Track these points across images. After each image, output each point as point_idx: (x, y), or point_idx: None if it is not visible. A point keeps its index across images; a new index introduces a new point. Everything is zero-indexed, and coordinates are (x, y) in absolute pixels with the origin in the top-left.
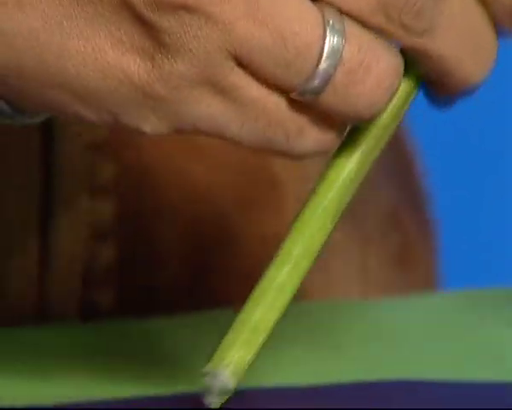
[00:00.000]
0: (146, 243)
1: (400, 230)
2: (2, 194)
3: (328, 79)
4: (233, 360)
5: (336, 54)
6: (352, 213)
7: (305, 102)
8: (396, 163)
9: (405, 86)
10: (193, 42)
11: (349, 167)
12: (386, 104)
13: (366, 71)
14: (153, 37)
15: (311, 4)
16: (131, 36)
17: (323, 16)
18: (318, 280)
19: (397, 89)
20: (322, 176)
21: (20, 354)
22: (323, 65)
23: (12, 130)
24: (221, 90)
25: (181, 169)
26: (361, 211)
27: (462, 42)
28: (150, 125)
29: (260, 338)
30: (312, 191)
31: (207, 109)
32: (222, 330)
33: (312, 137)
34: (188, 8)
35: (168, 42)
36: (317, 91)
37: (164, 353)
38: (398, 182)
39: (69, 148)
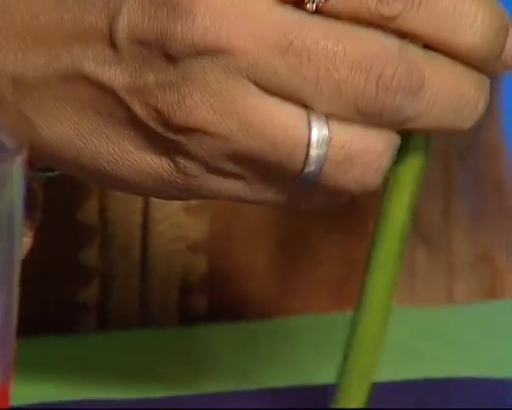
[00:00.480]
0: (235, 258)
1: (492, 266)
2: (105, 212)
3: (319, 169)
4: (356, 400)
5: (323, 150)
6: (435, 246)
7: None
8: (492, 201)
9: (419, 137)
10: (200, 150)
11: (401, 217)
12: (380, 181)
13: (352, 162)
14: (167, 143)
15: (296, 109)
16: (150, 141)
17: (308, 119)
18: (402, 301)
19: (387, 167)
20: (377, 227)
21: (126, 355)
22: (312, 159)
23: None
24: (230, 175)
25: None
26: (446, 244)
27: (445, 113)
28: (176, 198)
29: (369, 383)
30: (374, 241)
31: (222, 187)
32: (301, 334)
33: (320, 202)
34: (191, 129)
35: (181, 149)
36: (312, 180)
37: (258, 352)
38: (491, 221)
39: None
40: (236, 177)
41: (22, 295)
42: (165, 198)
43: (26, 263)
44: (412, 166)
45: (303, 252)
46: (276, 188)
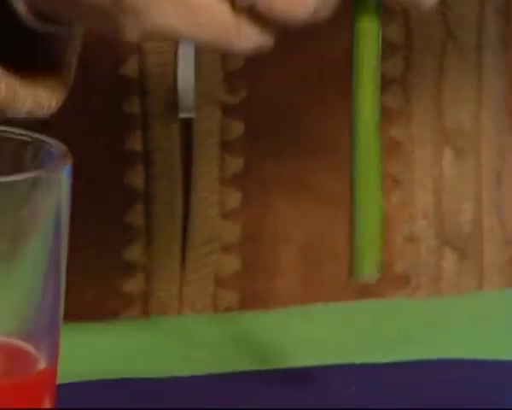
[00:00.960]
0: (265, 257)
1: None
2: (150, 217)
3: None
4: (371, 262)
5: None
6: (463, 250)
7: (245, 9)
8: None
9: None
10: None
11: (369, 109)
12: (304, 19)
13: None
14: None
15: None
16: None
17: None
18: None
19: (314, 5)
20: (354, 118)
21: (163, 338)
22: None
23: (155, 123)
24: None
25: (297, 205)
26: (476, 249)
27: None
28: (124, 32)
29: (378, 241)
30: (351, 130)
31: (165, 18)
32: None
33: (250, 39)
34: None
35: None
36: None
37: (286, 334)
38: None
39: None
40: (178, 2)
41: (75, 286)
42: (109, 29)
43: (80, 260)
44: (369, 24)
45: (325, 254)
46: (214, 21)
